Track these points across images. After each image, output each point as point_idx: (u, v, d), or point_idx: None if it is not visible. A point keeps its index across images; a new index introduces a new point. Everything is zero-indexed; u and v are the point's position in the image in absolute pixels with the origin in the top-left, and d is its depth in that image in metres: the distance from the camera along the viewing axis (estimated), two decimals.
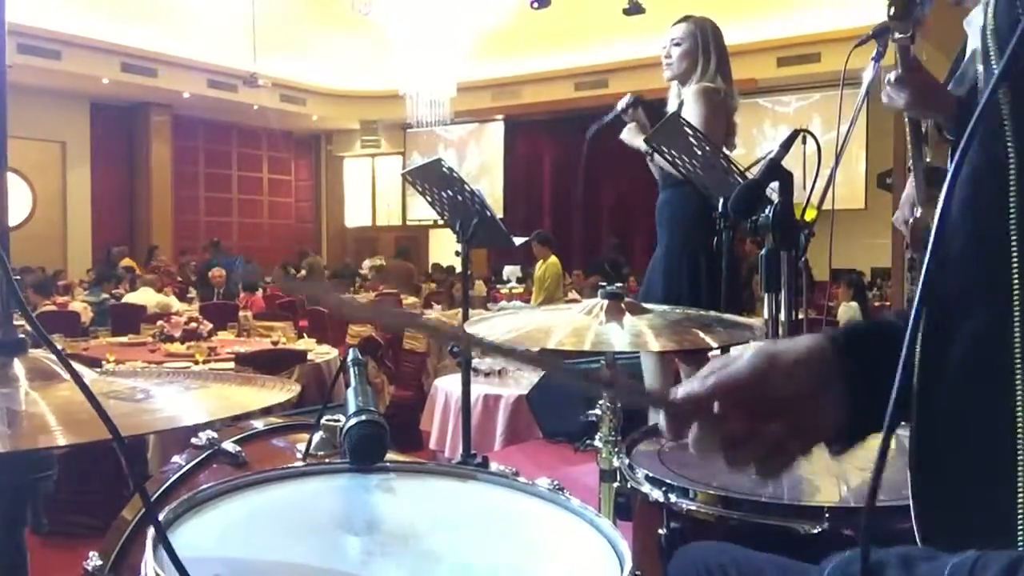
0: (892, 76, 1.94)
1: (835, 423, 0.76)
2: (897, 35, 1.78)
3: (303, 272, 14.38)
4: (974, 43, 1.88)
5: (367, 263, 15.02)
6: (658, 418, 0.79)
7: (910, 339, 0.67)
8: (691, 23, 3.27)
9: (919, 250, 2.34)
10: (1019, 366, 0.62)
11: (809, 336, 0.79)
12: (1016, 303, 0.62)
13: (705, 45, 3.20)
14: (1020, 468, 0.61)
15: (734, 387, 0.75)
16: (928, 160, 2.24)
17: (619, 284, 1.69)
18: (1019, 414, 0.61)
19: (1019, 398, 0.61)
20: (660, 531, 1.32)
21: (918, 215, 2.37)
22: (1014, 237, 0.62)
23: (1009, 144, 0.63)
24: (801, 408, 0.75)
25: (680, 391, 0.76)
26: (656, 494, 1.33)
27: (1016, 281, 0.62)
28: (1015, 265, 0.62)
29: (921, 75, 1.95)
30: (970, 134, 0.59)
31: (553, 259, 8.48)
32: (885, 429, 0.60)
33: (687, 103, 3.17)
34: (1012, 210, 0.62)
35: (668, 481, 1.34)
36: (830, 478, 1.40)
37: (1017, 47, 0.58)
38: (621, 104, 3.29)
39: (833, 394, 0.75)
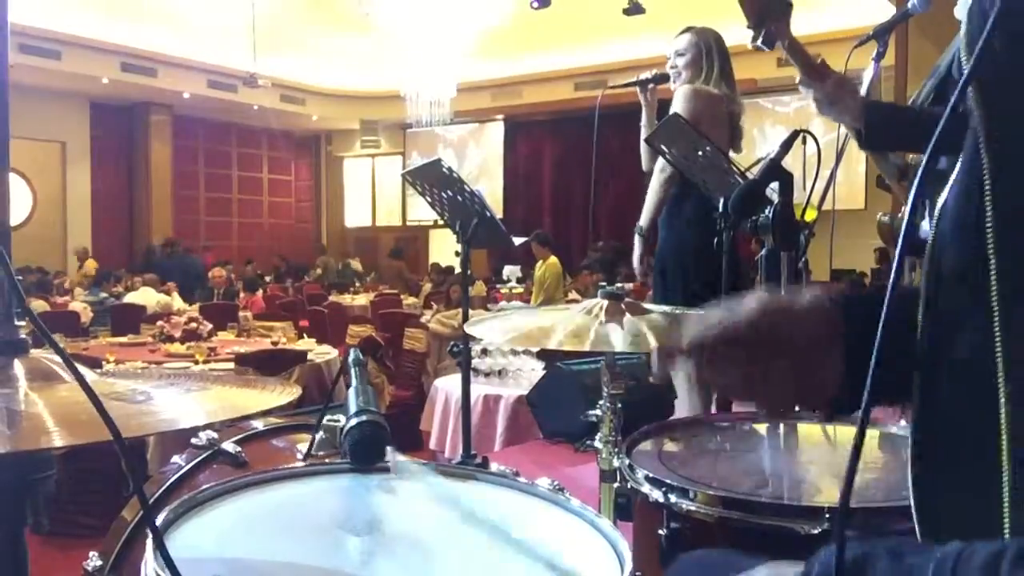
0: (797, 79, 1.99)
1: (831, 383, 0.78)
2: (752, 44, 1.84)
3: (318, 270, 14.44)
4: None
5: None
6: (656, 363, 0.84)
7: (920, 337, 0.69)
8: (693, 34, 3.30)
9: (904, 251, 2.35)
10: (1001, 377, 0.62)
11: (811, 293, 0.82)
12: (996, 311, 0.63)
13: (708, 53, 3.25)
14: (1005, 471, 0.62)
15: (742, 327, 0.78)
16: (910, 159, 2.24)
17: (619, 285, 1.69)
18: (1003, 420, 0.62)
19: (1003, 401, 0.62)
20: (660, 532, 1.32)
21: (900, 215, 2.39)
22: (991, 247, 0.63)
23: (981, 145, 0.64)
24: (804, 355, 0.78)
25: (688, 337, 0.80)
26: (656, 494, 1.33)
27: (994, 288, 0.63)
28: (992, 271, 0.63)
29: (826, 82, 1.96)
30: (938, 137, 0.59)
31: (553, 259, 8.48)
32: (857, 433, 0.61)
33: (675, 103, 3.19)
34: (988, 221, 0.63)
35: (668, 481, 1.34)
36: (830, 478, 1.40)
37: (983, 49, 0.59)
38: (646, 74, 3.33)
39: (830, 353, 0.78)
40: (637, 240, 3.29)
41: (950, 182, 0.69)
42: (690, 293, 3.07)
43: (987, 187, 0.63)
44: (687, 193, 3.07)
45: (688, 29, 3.34)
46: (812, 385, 0.79)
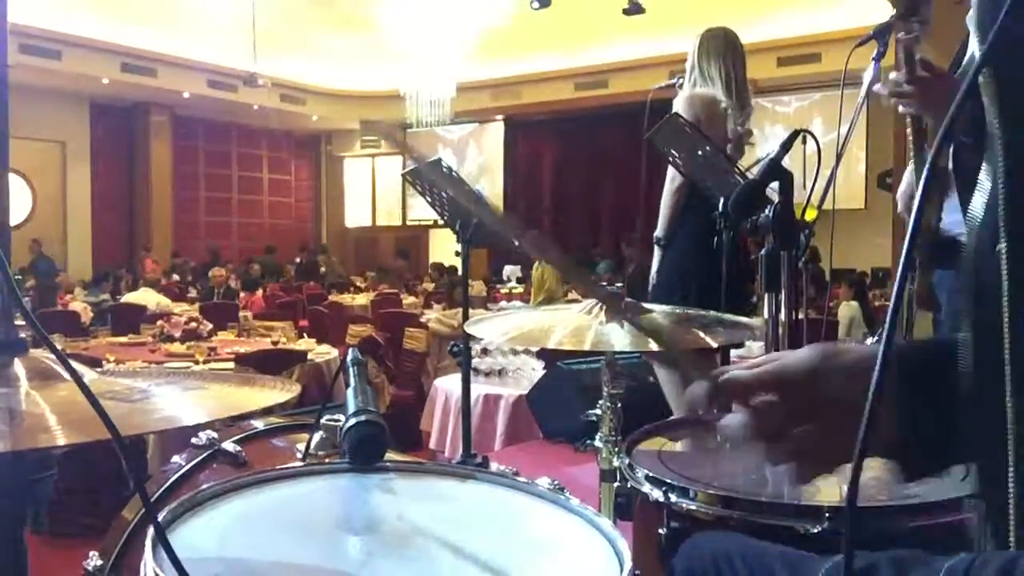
0: (895, 77, 1.88)
1: (884, 438, 0.71)
2: (902, 35, 1.74)
3: (322, 268, 14.39)
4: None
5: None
6: (684, 397, 0.76)
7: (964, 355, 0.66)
8: (697, 36, 3.32)
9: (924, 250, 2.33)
10: (1009, 387, 0.61)
11: (870, 345, 0.76)
12: (1006, 312, 0.61)
13: (701, 56, 3.25)
14: (1011, 472, 0.61)
15: (787, 380, 0.71)
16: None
17: (619, 285, 1.69)
18: (1009, 419, 0.61)
19: (1009, 407, 0.61)
20: (660, 531, 1.32)
21: None
22: (1004, 244, 0.61)
23: (997, 132, 0.62)
24: (850, 414, 0.70)
25: (729, 374, 0.73)
26: (656, 494, 1.33)
27: (1006, 286, 0.61)
28: (1004, 273, 0.61)
29: (927, 78, 1.89)
30: (945, 129, 0.58)
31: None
32: (860, 436, 0.59)
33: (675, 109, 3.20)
34: (1001, 214, 0.61)
35: (668, 481, 1.34)
36: (830, 478, 1.40)
37: (997, 34, 0.57)
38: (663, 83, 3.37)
39: (886, 408, 0.70)
40: (656, 251, 3.25)
41: (986, 187, 0.66)
42: (691, 293, 3.07)
43: (1000, 180, 0.61)
44: (691, 203, 3.09)
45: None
46: (852, 444, 0.73)
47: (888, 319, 0.59)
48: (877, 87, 1.93)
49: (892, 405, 0.71)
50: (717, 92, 3.22)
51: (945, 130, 0.58)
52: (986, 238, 0.66)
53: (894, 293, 0.60)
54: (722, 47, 3.28)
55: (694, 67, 3.26)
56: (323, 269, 14.87)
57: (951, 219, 2.06)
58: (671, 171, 3.08)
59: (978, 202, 0.67)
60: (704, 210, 3.00)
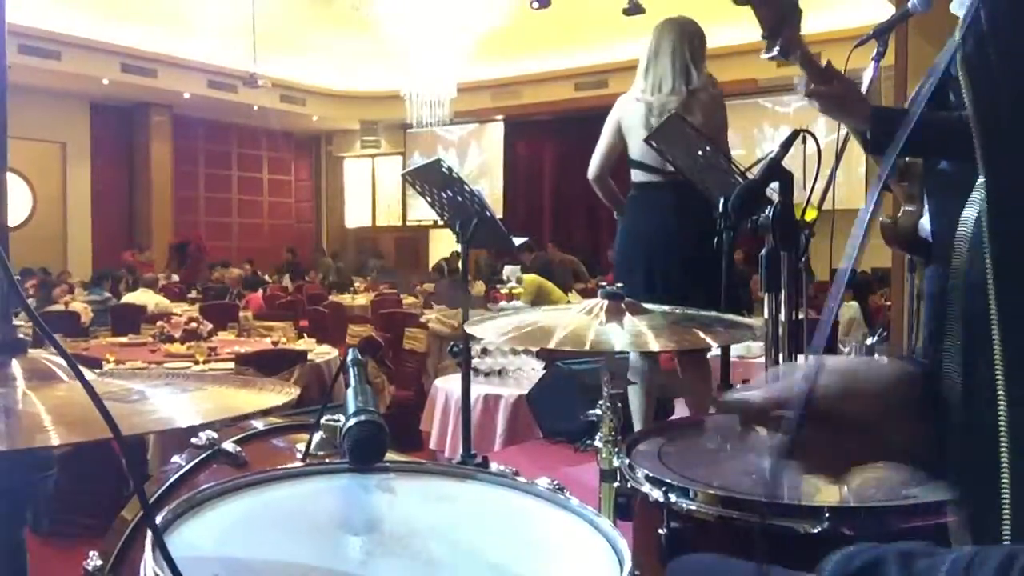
0: (800, 86, 1.95)
1: (912, 444, 0.75)
2: (766, 55, 1.82)
3: (319, 275, 14.28)
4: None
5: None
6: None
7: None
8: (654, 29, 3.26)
9: (906, 250, 2.34)
10: (1000, 382, 0.62)
11: (895, 361, 0.79)
12: (993, 320, 0.62)
13: (651, 53, 3.20)
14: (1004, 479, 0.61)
15: (816, 399, 0.74)
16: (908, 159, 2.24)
17: (619, 284, 1.70)
18: (1002, 422, 0.62)
19: (1001, 407, 0.61)
20: (660, 531, 1.32)
21: (900, 215, 2.37)
22: (987, 254, 0.62)
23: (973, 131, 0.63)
24: (881, 427, 0.75)
25: (756, 395, 0.77)
26: (656, 494, 1.33)
27: (992, 292, 0.62)
28: (989, 280, 0.62)
29: (834, 85, 1.94)
30: (899, 141, 0.59)
31: (529, 278, 8.30)
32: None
33: None
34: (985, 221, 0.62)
35: (668, 481, 1.34)
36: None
37: (970, 27, 0.59)
38: None
39: (913, 419, 0.75)
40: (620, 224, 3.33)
41: (979, 192, 0.67)
42: (638, 261, 3.10)
43: (981, 182, 0.62)
44: (663, 184, 3.09)
45: None
46: (884, 450, 0.77)
47: (827, 322, 0.60)
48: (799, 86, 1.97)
49: (916, 420, 0.74)
50: (636, 85, 3.20)
51: (898, 143, 0.59)
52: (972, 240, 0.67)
53: (834, 304, 0.61)
54: (671, 42, 3.17)
55: (648, 69, 3.21)
56: (319, 275, 14.49)
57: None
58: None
59: (969, 215, 0.68)
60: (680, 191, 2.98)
